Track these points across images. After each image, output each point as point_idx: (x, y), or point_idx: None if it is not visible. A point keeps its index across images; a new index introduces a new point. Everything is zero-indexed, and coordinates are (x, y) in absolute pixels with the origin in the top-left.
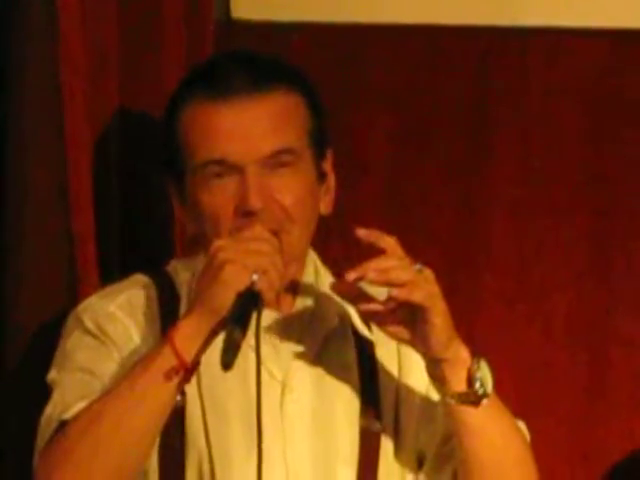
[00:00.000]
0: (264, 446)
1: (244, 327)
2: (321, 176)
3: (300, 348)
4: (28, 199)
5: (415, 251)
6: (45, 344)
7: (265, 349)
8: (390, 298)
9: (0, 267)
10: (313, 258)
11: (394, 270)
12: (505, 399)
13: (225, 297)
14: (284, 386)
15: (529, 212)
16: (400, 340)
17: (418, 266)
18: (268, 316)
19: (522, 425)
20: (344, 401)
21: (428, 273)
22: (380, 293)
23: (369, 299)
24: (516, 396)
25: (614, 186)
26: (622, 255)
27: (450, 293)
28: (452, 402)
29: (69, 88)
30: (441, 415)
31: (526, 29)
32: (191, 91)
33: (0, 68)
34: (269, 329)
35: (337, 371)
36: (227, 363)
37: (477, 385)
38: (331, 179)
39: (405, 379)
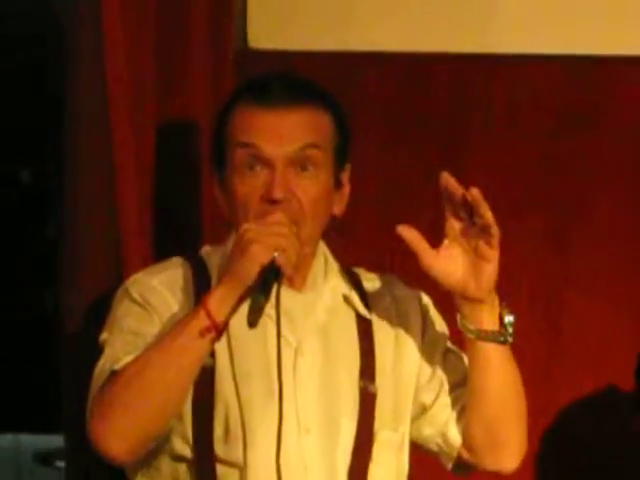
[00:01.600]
0: (277, 396)
1: (267, 294)
2: (338, 184)
3: (310, 320)
4: (82, 199)
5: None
6: (97, 319)
7: (282, 319)
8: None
9: (59, 257)
10: (324, 250)
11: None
12: None
13: (251, 270)
14: (297, 350)
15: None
16: (452, 279)
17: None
18: (285, 292)
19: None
20: (346, 365)
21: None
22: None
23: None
24: None
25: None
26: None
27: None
28: (484, 339)
29: (115, 103)
30: (440, 374)
31: (492, 55)
32: (241, 98)
33: (57, 87)
34: (285, 303)
35: (340, 341)
36: (252, 322)
37: (507, 326)
38: (346, 188)
39: (401, 350)
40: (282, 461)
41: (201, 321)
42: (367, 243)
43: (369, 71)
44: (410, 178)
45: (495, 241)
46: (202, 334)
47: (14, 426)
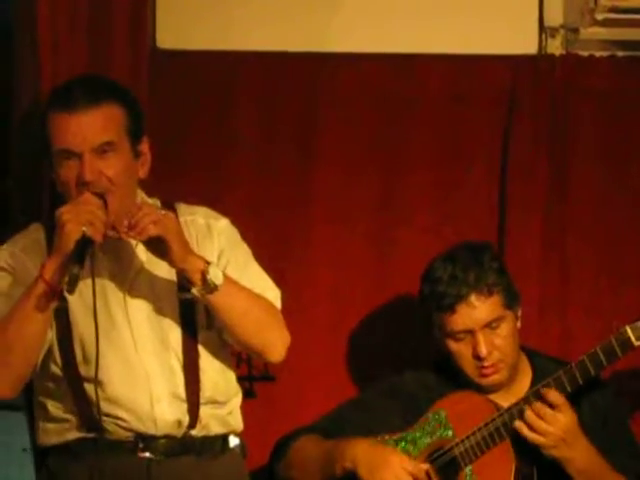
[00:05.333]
0: (116, 326)
1: (81, 263)
2: (137, 155)
3: (134, 259)
4: None
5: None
6: None
7: (111, 265)
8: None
9: None
10: (142, 198)
11: (143, 218)
12: None
13: (68, 244)
14: (127, 285)
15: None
16: (158, 257)
17: (163, 211)
18: (114, 242)
19: (275, 297)
20: (166, 286)
21: (170, 215)
22: None
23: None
24: None
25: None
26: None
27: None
28: (197, 293)
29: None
30: None
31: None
32: (51, 106)
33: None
34: (113, 251)
35: (160, 269)
36: (69, 290)
37: (209, 280)
38: (147, 155)
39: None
40: (127, 372)
41: (41, 287)
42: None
43: (245, 68)
44: (282, 156)
45: None
46: (43, 297)
47: None
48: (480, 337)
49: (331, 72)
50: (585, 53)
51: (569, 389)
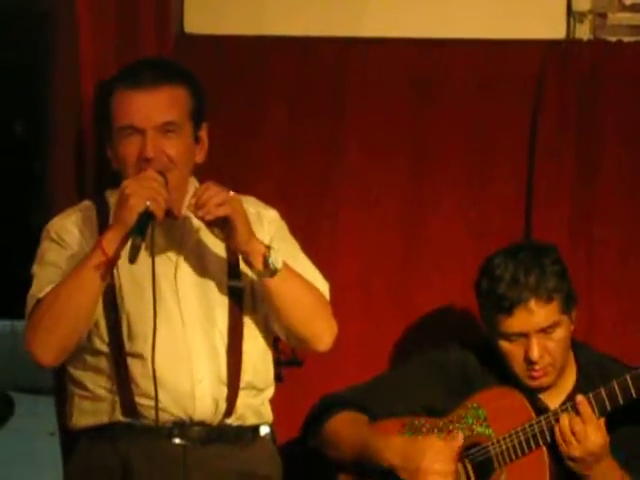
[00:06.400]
0: (164, 303)
1: (143, 235)
2: (197, 140)
3: (186, 240)
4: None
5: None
6: None
7: (163, 244)
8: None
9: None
10: (195, 184)
11: (211, 198)
12: None
13: (130, 217)
14: (176, 265)
15: None
16: (222, 240)
17: (231, 192)
18: (166, 223)
19: (324, 288)
20: (217, 269)
21: (237, 197)
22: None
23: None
24: None
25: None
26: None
27: None
28: (257, 276)
29: (85, 76)
30: None
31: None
32: (118, 83)
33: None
34: (166, 232)
35: (211, 252)
36: (131, 259)
37: (270, 264)
38: (205, 142)
39: None
40: (172, 349)
41: (98, 257)
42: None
43: (274, 54)
44: (311, 142)
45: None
46: (99, 267)
47: (10, 313)
48: (534, 341)
49: (360, 57)
50: (613, 38)
51: (609, 408)
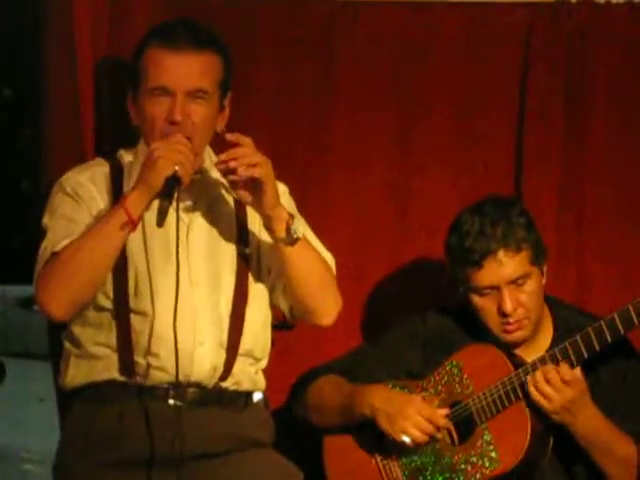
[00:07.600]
0: (174, 262)
1: (170, 198)
2: (222, 108)
3: (199, 204)
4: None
5: None
6: None
7: (180, 207)
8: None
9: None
10: (209, 152)
11: (246, 156)
12: None
13: (158, 180)
14: (189, 227)
15: None
16: (246, 202)
17: (261, 155)
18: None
19: (332, 263)
20: (226, 235)
21: (268, 160)
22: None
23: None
24: None
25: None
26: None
27: None
28: (278, 243)
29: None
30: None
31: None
32: (152, 41)
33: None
34: (183, 196)
35: (222, 218)
36: (159, 222)
37: (292, 232)
38: (227, 110)
39: (260, 228)
40: (178, 308)
41: (120, 217)
42: None
43: (262, 16)
44: (299, 104)
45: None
46: (122, 227)
47: (1, 278)
48: (506, 293)
49: (349, 19)
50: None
51: (586, 355)
